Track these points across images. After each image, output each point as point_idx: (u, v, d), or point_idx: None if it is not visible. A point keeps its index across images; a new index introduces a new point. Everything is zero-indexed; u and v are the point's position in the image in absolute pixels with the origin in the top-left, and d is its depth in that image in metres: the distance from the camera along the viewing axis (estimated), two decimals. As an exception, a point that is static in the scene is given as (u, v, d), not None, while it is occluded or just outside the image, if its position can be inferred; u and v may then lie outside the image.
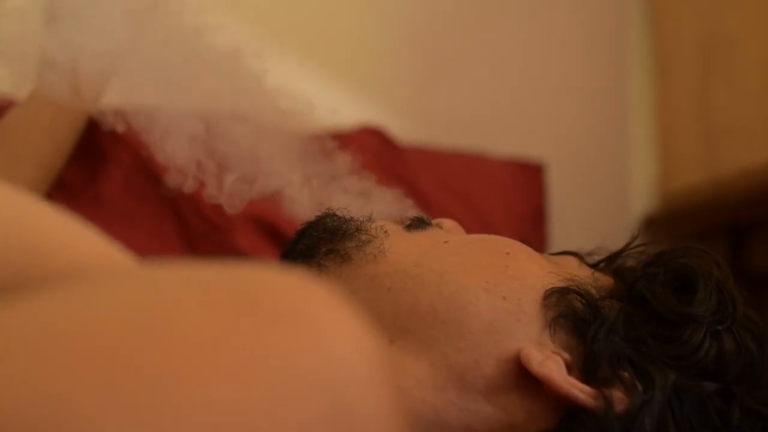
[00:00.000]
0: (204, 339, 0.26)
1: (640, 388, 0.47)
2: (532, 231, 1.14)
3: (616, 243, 0.62)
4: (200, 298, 0.28)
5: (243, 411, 0.25)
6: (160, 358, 0.25)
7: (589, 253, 0.60)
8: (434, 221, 0.61)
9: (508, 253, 0.54)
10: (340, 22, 1.28)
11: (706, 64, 1.32)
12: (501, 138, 1.32)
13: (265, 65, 0.68)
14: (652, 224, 1.34)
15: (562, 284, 0.52)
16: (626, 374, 0.48)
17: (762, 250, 1.16)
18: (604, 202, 1.38)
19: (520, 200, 1.21)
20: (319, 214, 0.59)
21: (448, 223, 0.61)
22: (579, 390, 0.47)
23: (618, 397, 0.47)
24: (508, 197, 1.19)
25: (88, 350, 0.25)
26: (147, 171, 0.93)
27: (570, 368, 0.49)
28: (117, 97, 1.06)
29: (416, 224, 0.58)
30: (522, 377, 0.48)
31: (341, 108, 1.21)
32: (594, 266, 0.58)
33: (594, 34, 1.42)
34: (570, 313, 0.51)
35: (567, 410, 0.48)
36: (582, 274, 0.54)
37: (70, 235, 0.37)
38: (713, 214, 1.25)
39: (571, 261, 0.57)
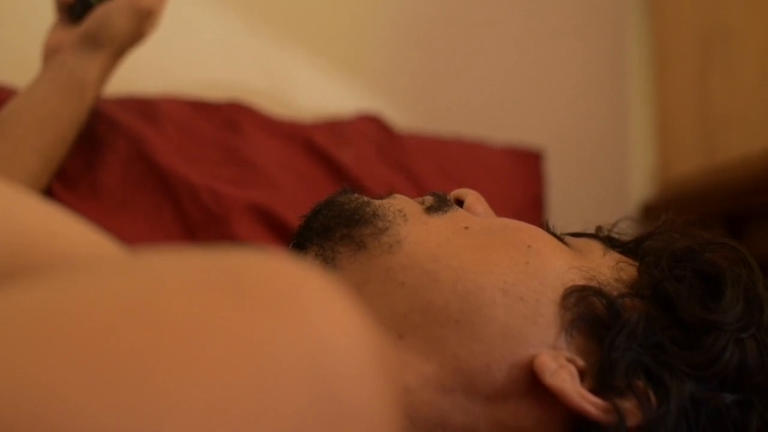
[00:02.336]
0: (193, 324, 0.26)
1: (654, 399, 0.45)
2: (531, 219, 1.14)
3: (630, 220, 0.60)
4: (189, 283, 0.28)
5: (231, 395, 0.25)
6: (148, 344, 0.25)
7: (612, 228, 0.58)
8: (456, 192, 0.59)
9: (529, 247, 0.52)
10: (340, 11, 1.27)
11: (705, 54, 1.31)
12: (500, 126, 1.32)
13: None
14: (650, 212, 1.35)
15: (582, 282, 0.50)
16: (641, 384, 0.46)
17: (760, 238, 1.16)
18: (603, 190, 1.38)
19: (518, 188, 1.21)
20: (337, 191, 0.57)
21: (471, 196, 0.59)
22: (591, 404, 0.46)
23: (631, 409, 0.45)
24: (506, 185, 1.19)
25: (76, 337, 0.25)
26: (145, 159, 0.93)
27: (584, 375, 0.47)
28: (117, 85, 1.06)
29: (437, 206, 0.55)
30: (533, 384, 0.47)
31: (341, 96, 1.21)
32: (619, 245, 0.56)
33: (593, 22, 1.41)
34: (589, 316, 0.49)
35: (577, 420, 0.46)
36: (605, 267, 0.52)
37: (59, 226, 0.37)
38: (711, 202, 1.25)
39: (596, 248, 0.55)
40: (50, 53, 0.86)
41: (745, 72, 1.25)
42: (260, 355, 0.27)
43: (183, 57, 1.16)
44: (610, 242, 0.56)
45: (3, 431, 0.22)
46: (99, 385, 0.24)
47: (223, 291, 0.28)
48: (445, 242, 0.52)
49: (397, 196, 0.57)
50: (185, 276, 0.29)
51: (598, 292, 0.50)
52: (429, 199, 0.56)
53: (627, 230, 0.58)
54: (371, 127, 1.14)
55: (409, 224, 0.53)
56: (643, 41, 1.44)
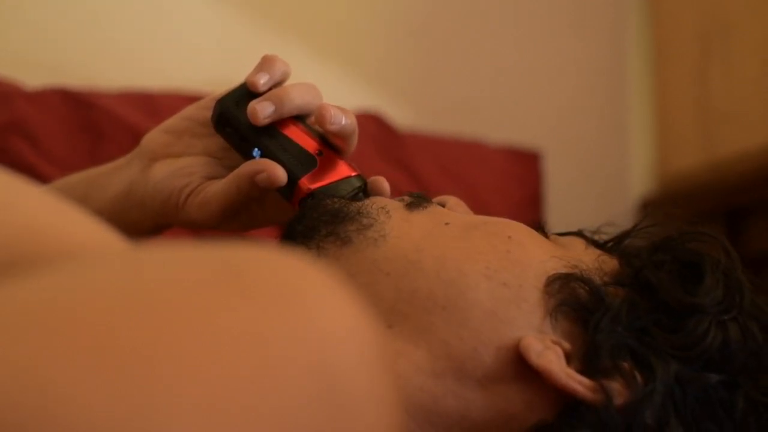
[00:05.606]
0: (195, 320, 0.26)
1: (640, 380, 0.46)
2: (529, 217, 1.14)
3: (614, 226, 0.60)
4: (191, 277, 0.28)
5: (234, 389, 0.25)
6: (150, 339, 0.25)
7: (596, 232, 0.58)
8: (437, 199, 0.60)
9: (510, 237, 0.53)
10: (340, 8, 1.27)
11: (704, 50, 1.32)
12: (500, 120, 1.32)
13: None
14: (649, 208, 1.35)
15: (565, 270, 0.51)
16: (627, 365, 0.47)
17: (758, 233, 1.16)
18: (602, 186, 1.39)
19: (516, 187, 1.21)
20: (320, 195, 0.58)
21: (452, 200, 0.60)
22: (578, 382, 0.46)
23: (618, 389, 0.46)
24: (505, 184, 1.20)
25: (78, 332, 0.25)
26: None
27: (570, 358, 0.48)
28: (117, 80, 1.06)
29: (417, 202, 0.56)
30: (521, 367, 0.47)
31: (340, 93, 1.21)
32: (601, 246, 0.57)
33: (592, 19, 1.41)
34: (572, 301, 0.49)
35: (566, 402, 0.47)
36: (587, 258, 0.53)
37: (61, 217, 0.37)
38: (710, 197, 1.25)
39: (578, 243, 0.56)
40: (150, 153, 0.63)
41: (744, 68, 1.25)
42: (263, 350, 0.27)
43: (182, 52, 1.16)
44: (593, 243, 0.57)
45: (6, 428, 0.22)
46: (102, 381, 0.24)
47: (225, 286, 0.28)
48: (427, 234, 0.53)
49: (377, 197, 0.58)
50: (187, 271, 0.29)
51: (581, 278, 0.50)
52: (407, 198, 0.57)
53: (612, 232, 0.59)
54: (371, 124, 1.14)
55: (392, 220, 0.54)
56: (642, 38, 1.44)
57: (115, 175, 0.65)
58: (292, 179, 0.58)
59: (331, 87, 1.25)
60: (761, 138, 1.18)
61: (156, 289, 0.28)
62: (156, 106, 1.00)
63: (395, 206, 0.56)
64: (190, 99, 1.05)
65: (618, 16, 1.43)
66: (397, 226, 0.54)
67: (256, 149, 0.59)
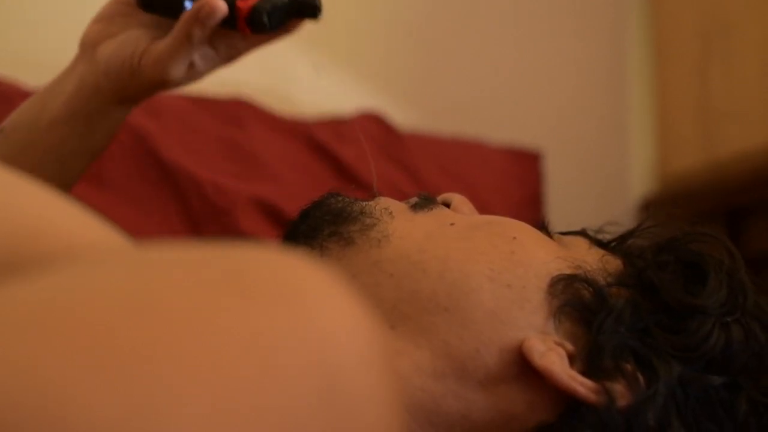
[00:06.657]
0: (196, 320, 0.26)
1: (642, 381, 0.46)
2: (530, 217, 1.14)
3: (617, 225, 0.61)
4: (191, 277, 0.28)
5: (235, 390, 0.25)
6: (151, 340, 0.25)
7: (598, 231, 0.58)
8: (442, 196, 0.60)
9: (514, 238, 0.53)
10: (341, 9, 1.27)
11: (704, 49, 1.32)
12: (499, 123, 1.32)
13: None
14: (650, 207, 1.35)
15: (569, 271, 0.51)
16: (629, 367, 0.47)
17: (758, 233, 1.16)
18: (602, 186, 1.39)
19: (517, 187, 1.22)
20: (323, 194, 0.58)
21: (457, 199, 0.60)
22: (580, 384, 0.46)
23: (620, 391, 0.46)
24: (505, 184, 1.20)
25: (78, 332, 0.25)
26: (149, 153, 0.93)
27: (573, 359, 0.48)
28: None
29: (422, 204, 0.56)
30: (523, 368, 0.47)
31: (341, 93, 1.21)
32: (604, 245, 0.57)
33: (593, 18, 1.42)
34: (576, 302, 0.50)
35: (568, 403, 0.47)
36: (591, 258, 0.53)
37: (62, 216, 0.36)
38: (711, 197, 1.25)
39: (581, 243, 0.56)
40: (90, 44, 0.68)
41: (744, 67, 1.25)
42: (263, 350, 0.27)
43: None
44: (596, 243, 0.57)
45: (6, 428, 0.22)
46: (102, 381, 0.24)
47: (226, 286, 0.28)
48: (430, 235, 0.53)
49: (382, 197, 0.58)
50: (188, 271, 0.29)
51: (585, 279, 0.50)
52: (414, 199, 0.57)
53: (615, 232, 0.59)
54: (372, 125, 1.14)
55: (396, 221, 0.54)
56: (642, 37, 1.44)
57: (66, 79, 0.68)
58: (230, 4, 0.62)
59: (332, 87, 1.26)
60: (761, 138, 1.18)
61: (156, 289, 0.27)
62: (156, 105, 1.00)
63: (399, 207, 0.56)
64: (190, 98, 1.05)
65: (618, 16, 1.43)
66: (400, 227, 0.54)
67: (186, 2, 0.63)
